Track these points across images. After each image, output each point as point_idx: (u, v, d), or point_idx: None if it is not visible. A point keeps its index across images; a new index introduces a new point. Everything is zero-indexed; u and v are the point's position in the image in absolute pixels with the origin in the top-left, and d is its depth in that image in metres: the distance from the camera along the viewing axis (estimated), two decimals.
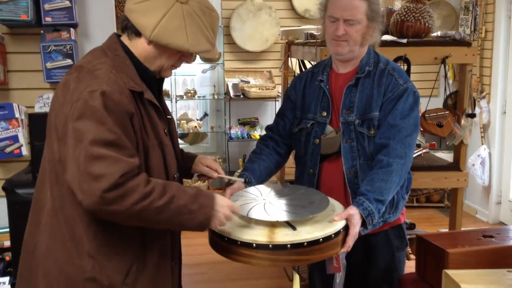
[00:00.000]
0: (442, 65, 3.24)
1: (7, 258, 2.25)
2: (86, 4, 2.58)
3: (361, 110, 2.14)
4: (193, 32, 1.58)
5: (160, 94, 1.79)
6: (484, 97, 5.38)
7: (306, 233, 1.72)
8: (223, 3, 5.80)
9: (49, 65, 2.41)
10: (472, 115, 3.32)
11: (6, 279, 2.14)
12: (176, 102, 5.65)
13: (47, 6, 2.33)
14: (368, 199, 1.92)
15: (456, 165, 3.32)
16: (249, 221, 1.79)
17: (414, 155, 3.43)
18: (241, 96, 5.57)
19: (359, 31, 2.11)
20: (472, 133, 5.49)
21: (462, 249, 2.00)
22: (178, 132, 5.60)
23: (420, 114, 3.35)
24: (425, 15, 3.31)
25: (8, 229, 2.20)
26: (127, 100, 1.53)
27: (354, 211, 1.87)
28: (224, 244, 1.74)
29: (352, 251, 2.11)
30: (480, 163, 5.20)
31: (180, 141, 5.59)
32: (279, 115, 2.36)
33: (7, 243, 2.32)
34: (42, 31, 2.40)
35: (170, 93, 5.58)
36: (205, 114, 5.94)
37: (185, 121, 5.66)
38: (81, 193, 1.45)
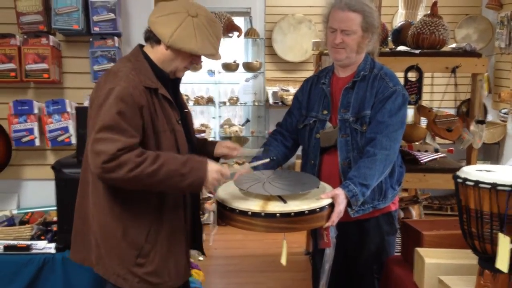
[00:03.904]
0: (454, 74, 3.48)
1: (54, 229, 2.69)
2: (129, 17, 3.01)
3: (356, 109, 2.43)
4: (201, 39, 1.98)
5: (177, 91, 2.20)
6: None
7: (295, 206, 2.02)
8: (267, 17, 6.21)
9: (96, 67, 2.85)
10: (482, 122, 3.54)
11: (53, 245, 2.59)
12: (219, 107, 6.07)
13: (95, 18, 2.78)
14: (353, 183, 2.20)
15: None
16: (249, 195, 2.12)
17: (430, 159, 3.66)
18: (280, 103, 5.93)
19: (355, 40, 2.41)
20: (505, 142, 5.67)
21: (437, 232, 2.22)
22: (222, 136, 6.04)
23: (431, 119, 3.63)
24: (440, 28, 3.56)
25: (55, 208, 2.62)
26: (139, 95, 1.92)
27: (339, 192, 2.15)
28: (226, 213, 2.07)
29: (346, 235, 2.44)
30: None
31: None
32: (288, 113, 2.70)
33: (55, 219, 2.77)
34: (91, 39, 2.85)
35: (214, 99, 6.02)
36: (247, 120, 6.32)
37: (227, 126, 6.07)
38: (91, 166, 1.89)
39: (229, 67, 5.95)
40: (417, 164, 3.56)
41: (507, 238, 1.45)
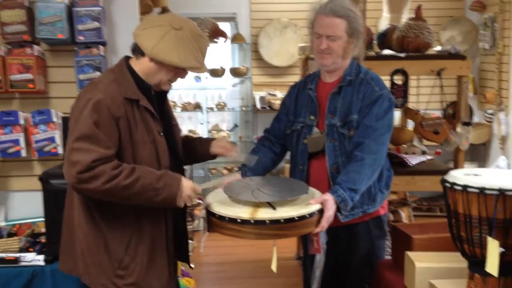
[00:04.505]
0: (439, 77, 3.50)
1: (43, 240, 2.67)
2: (114, 25, 2.97)
3: (342, 114, 2.44)
4: (184, 52, 1.97)
5: (163, 103, 2.19)
6: (502, 110, 5.54)
7: (284, 212, 2.01)
8: (252, 22, 6.22)
9: (81, 77, 2.82)
10: (468, 123, 3.57)
11: (41, 257, 2.56)
12: (207, 113, 6.07)
13: (80, 27, 2.76)
14: (342, 188, 2.20)
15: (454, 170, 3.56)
16: (238, 203, 2.11)
17: (417, 161, 3.67)
18: (267, 108, 5.94)
19: (340, 46, 2.41)
20: (491, 143, 5.72)
21: (426, 236, 2.24)
22: None
23: (417, 121, 3.65)
24: (424, 31, 3.58)
25: (43, 219, 2.59)
26: (116, 106, 1.93)
27: (328, 197, 2.15)
28: (216, 220, 2.06)
29: (337, 240, 2.44)
30: None
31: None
32: (275, 119, 2.70)
33: (43, 230, 2.74)
34: (76, 48, 2.82)
35: (201, 105, 6.01)
36: (235, 126, 6.34)
37: (216, 131, 6.06)
38: (66, 176, 1.90)
39: (216, 73, 5.95)
40: (405, 167, 3.57)
41: (496, 242, 1.46)
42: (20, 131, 2.85)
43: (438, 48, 3.77)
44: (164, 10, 5.09)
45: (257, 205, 2.09)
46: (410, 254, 2.13)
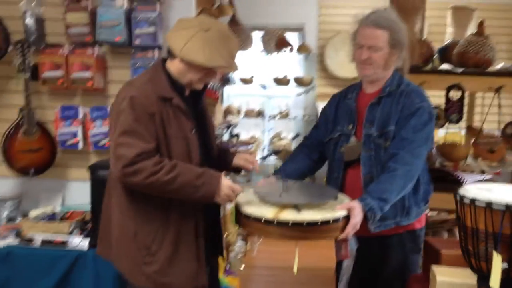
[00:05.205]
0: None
1: (90, 227, 2.87)
2: (169, 29, 3.16)
3: (380, 124, 2.44)
4: (210, 52, 2.07)
5: (197, 102, 2.30)
6: None
7: (308, 215, 2.05)
8: (320, 33, 6.27)
9: None
10: None
11: (86, 242, 2.76)
12: (268, 121, 6.17)
13: (137, 31, 2.94)
14: (371, 196, 2.20)
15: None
16: (266, 203, 2.17)
17: (473, 181, 3.57)
18: None
19: (382, 56, 2.43)
20: None
21: (455, 251, 2.19)
22: (271, 148, 6.13)
23: (473, 139, 3.56)
24: (486, 48, 3.49)
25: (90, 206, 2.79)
26: (150, 103, 2.06)
27: (356, 205, 2.15)
28: (242, 219, 2.14)
29: (368, 250, 2.44)
30: None
31: (273, 156, 6.12)
32: (315, 127, 2.74)
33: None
34: (132, 51, 3.02)
35: (264, 112, 6.13)
36: (297, 135, 6.39)
37: (277, 139, 6.15)
38: (113, 170, 2.05)
39: (281, 82, 6.05)
40: (459, 185, 3.48)
41: (499, 257, 1.44)
42: (79, 124, 3.07)
43: (500, 65, 3.65)
44: (233, 19, 5.27)
45: (283, 206, 2.13)
46: (435, 268, 2.11)
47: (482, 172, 3.86)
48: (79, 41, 2.99)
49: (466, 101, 3.72)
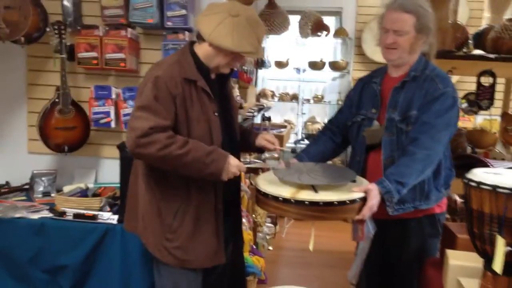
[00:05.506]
0: None
1: (119, 203, 2.98)
2: (200, 12, 3.22)
3: (403, 109, 2.45)
4: (238, 37, 2.13)
5: (223, 86, 2.38)
6: None
7: (325, 196, 2.10)
8: (358, 17, 6.23)
9: None
10: None
11: (116, 217, 2.87)
12: (302, 104, 6.19)
13: (169, 13, 3.01)
14: (389, 179, 2.22)
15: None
16: (285, 183, 2.22)
17: (505, 168, 3.53)
18: None
19: (407, 41, 2.43)
20: None
21: None
22: (304, 132, 6.16)
23: (502, 128, 3.51)
24: None
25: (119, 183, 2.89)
26: (174, 84, 2.13)
27: (373, 187, 2.18)
28: (261, 197, 2.20)
29: (388, 233, 2.48)
30: None
31: (307, 141, 6.16)
32: (339, 110, 2.77)
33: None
34: (164, 33, 3.10)
35: (298, 96, 6.15)
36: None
37: (311, 123, 6.17)
38: (126, 141, 2.12)
39: (316, 66, 6.05)
40: None
41: (502, 240, 1.46)
42: (112, 104, 3.18)
43: None
44: (270, 2, 5.29)
45: (301, 187, 2.19)
46: (448, 251, 2.13)
47: None
48: (113, 22, 3.08)
49: (500, 87, 3.67)
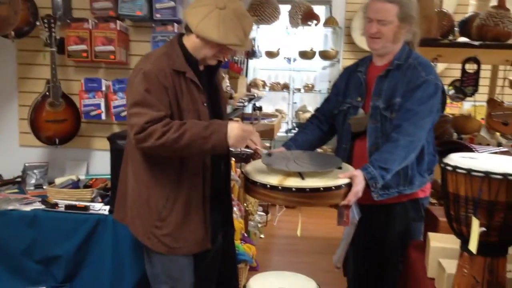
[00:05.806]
0: None
1: (110, 193, 3.03)
2: (188, 4, 3.26)
3: (387, 97, 2.50)
4: (224, 29, 2.16)
5: (212, 77, 2.42)
6: None
7: (311, 182, 2.15)
8: (347, 6, 6.26)
9: None
10: None
11: (107, 207, 2.92)
12: (293, 94, 6.24)
13: (157, 5, 3.05)
14: (373, 166, 2.27)
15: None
16: (273, 171, 2.27)
17: (489, 153, 3.60)
18: None
19: (391, 30, 2.47)
20: None
21: None
22: (295, 121, 6.21)
23: (487, 113, 3.57)
24: (505, 20, 3.47)
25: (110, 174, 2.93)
26: (164, 76, 2.17)
27: (358, 173, 2.23)
28: (250, 185, 2.24)
29: (373, 217, 2.54)
30: None
31: (298, 129, 6.21)
32: (326, 99, 2.83)
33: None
34: (153, 25, 3.13)
35: (289, 86, 6.20)
36: None
37: (302, 112, 6.23)
38: (130, 138, 2.18)
39: (306, 55, 6.09)
40: None
41: (477, 221, 1.52)
42: (102, 96, 3.22)
43: None
44: None
45: (289, 174, 2.23)
46: (430, 234, 2.19)
47: (499, 145, 3.86)
48: (103, 15, 3.12)
49: (484, 74, 3.72)
